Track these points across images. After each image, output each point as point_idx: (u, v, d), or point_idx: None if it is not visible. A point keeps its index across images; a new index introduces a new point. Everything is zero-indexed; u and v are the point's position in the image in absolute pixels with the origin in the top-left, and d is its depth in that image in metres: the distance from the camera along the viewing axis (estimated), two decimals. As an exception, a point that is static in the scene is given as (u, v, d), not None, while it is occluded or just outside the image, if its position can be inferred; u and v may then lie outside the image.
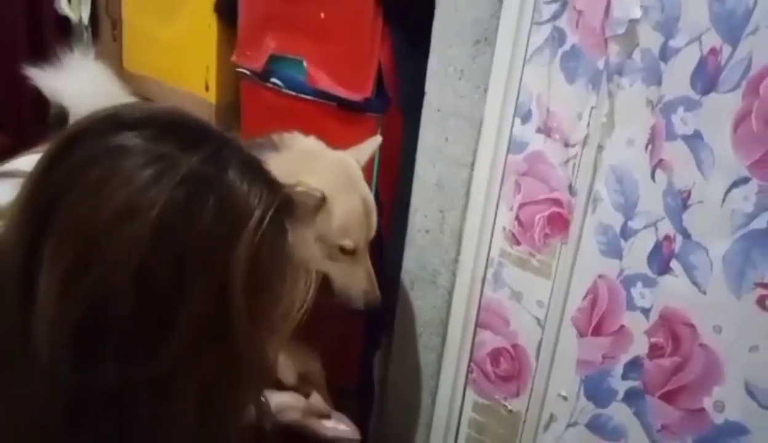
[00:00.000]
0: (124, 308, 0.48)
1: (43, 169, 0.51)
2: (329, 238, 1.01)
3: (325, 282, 1.05)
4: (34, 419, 0.50)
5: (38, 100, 2.23)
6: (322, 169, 1.03)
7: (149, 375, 0.49)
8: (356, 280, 1.05)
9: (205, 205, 0.49)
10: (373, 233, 1.08)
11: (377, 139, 1.15)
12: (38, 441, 0.51)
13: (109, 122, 0.52)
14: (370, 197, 1.08)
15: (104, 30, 2.04)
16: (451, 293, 1.17)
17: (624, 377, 0.99)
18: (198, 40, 1.59)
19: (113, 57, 1.97)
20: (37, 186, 0.51)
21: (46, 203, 0.49)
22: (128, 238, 0.47)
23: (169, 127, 0.52)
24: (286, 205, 0.56)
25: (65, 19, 2.11)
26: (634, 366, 0.97)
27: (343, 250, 1.03)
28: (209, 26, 1.56)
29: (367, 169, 1.24)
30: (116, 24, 1.96)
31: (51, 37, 2.16)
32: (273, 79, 1.38)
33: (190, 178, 0.49)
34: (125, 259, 0.47)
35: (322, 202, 0.99)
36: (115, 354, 0.48)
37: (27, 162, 0.68)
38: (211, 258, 0.49)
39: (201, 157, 0.50)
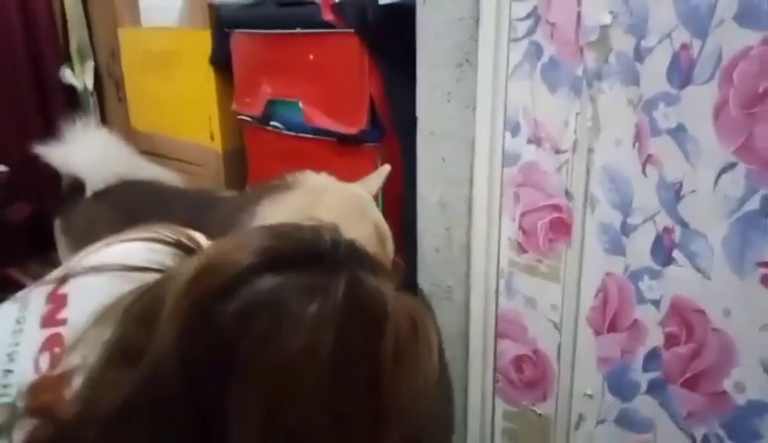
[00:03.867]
0: (316, 432, 0.50)
1: (195, 324, 0.51)
2: None
3: None
4: None
5: (53, 169, 2.32)
6: (332, 203, 1.07)
7: None
8: None
9: (359, 319, 0.52)
10: (390, 258, 1.11)
11: (386, 169, 1.19)
12: None
13: (248, 268, 0.52)
14: (383, 223, 1.11)
15: (109, 93, 2.12)
16: (467, 306, 1.20)
17: (645, 369, 1.01)
18: (198, 93, 1.66)
19: (121, 117, 2.05)
20: (190, 343, 0.50)
21: (213, 358, 0.50)
22: (313, 376, 0.49)
23: (302, 256, 0.54)
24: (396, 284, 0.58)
25: (71, 88, 2.20)
26: (653, 358, 0.99)
27: None
28: (207, 79, 1.62)
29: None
30: (119, 85, 2.04)
31: (59, 106, 2.25)
32: (272, 123, 1.44)
33: (346, 302, 0.51)
34: (315, 396, 0.49)
35: None
36: None
37: (116, 254, 0.69)
38: (366, 362, 0.52)
39: (346, 277, 0.53)
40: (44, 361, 0.62)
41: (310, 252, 0.55)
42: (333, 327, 0.50)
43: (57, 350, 0.62)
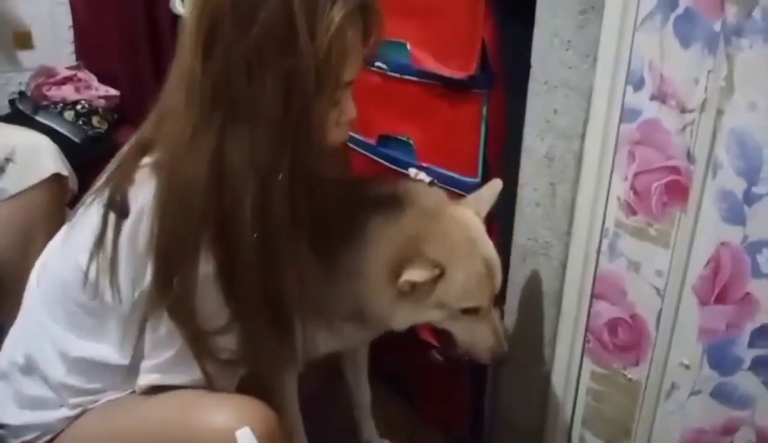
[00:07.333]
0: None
1: None
2: (450, 304, 1.03)
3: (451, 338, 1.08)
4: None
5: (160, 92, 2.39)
6: (442, 235, 1.03)
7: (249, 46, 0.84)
8: (481, 338, 1.06)
9: None
10: (497, 290, 1.08)
11: (497, 184, 1.13)
12: (191, 103, 0.88)
13: None
14: (492, 255, 1.07)
15: (215, 25, 2.16)
16: (564, 265, 1.18)
17: (751, 345, 0.97)
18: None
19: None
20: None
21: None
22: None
23: None
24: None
25: (179, 18, 2.26)
26: (761, 335, 0.95)
27: (465, 311, 1.04)
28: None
29: (474, 146, 1.27)
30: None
31: (167, 35, 2.32)
32: (377, 63, 1.42)
33: None
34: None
35: (440, 275, 1.01)
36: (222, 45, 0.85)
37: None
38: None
39: None
40: None
41: None
42: None
43: None
